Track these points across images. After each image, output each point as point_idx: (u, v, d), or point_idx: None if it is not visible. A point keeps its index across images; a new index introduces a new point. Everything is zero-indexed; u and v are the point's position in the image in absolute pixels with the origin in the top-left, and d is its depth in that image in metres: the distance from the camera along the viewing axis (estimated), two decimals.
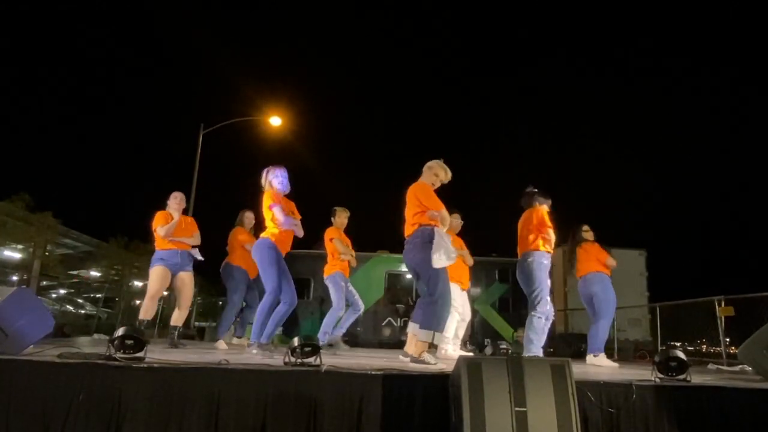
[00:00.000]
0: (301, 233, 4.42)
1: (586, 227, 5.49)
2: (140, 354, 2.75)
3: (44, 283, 19.27)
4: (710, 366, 5.55)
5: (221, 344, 5.10)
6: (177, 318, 4.98)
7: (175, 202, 4.95)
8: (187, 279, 4.91)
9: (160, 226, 4.78)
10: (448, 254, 3.55)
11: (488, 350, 4.78)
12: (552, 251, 4.63)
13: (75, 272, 21.12)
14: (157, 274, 4.76)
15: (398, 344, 6.23)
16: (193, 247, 4.98)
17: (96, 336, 5.65)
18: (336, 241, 5.53)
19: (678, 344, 10.55)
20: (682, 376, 2.91)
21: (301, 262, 5.93)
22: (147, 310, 4.77)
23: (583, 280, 5.29)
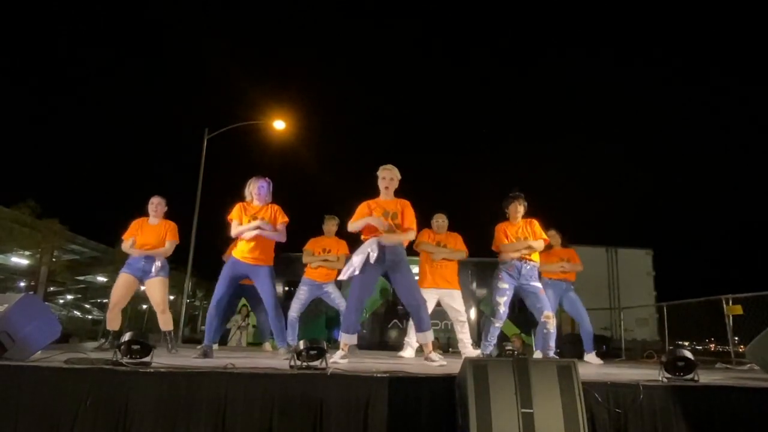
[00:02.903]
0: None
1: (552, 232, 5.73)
2: (147, 359, 2.76)
3: (51, 288, 19.39)
4: (718, 365, 5.51)
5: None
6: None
7: (151, 207, 4.85)
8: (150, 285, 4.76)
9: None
10: None
11: (493, 351, 4.77)
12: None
13: (82, 278, 21.25)
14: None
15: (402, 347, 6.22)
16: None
17: (103, 341, 5.68)
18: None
19: (686, 344, 10.48)
20: (689, 376, 2.89)
21: (301, 265, 5.92)
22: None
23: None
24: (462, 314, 5.16)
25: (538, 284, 4.70)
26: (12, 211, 14.33)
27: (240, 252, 4.30)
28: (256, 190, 4.40)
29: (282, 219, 4.40)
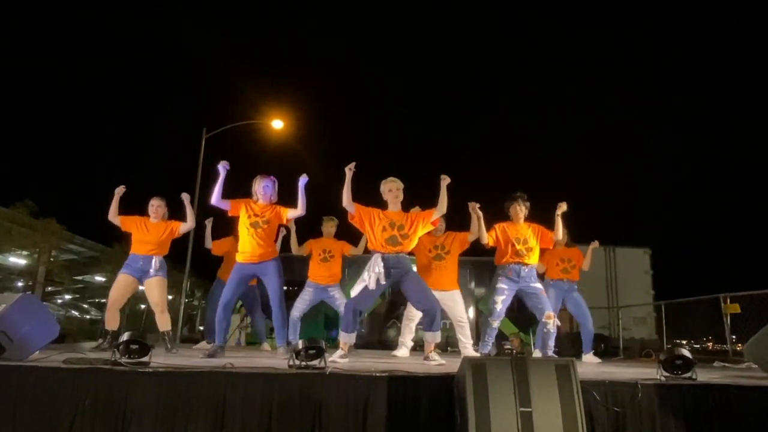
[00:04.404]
0: None
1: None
2: (145, 359, 2.76)
3: (49, 288, 19.34)
4: (716, 364, 5.53)
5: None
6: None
7: (152, 209, 4.80)
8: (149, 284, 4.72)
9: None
10: None
11: (492, 351, 4.78)
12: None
13: (80, 277, 21.21)
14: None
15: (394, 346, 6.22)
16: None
17: (101, 341, 5.67)
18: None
19: (683, 342, 10.49)
20: (687, 375, 2.90)
21: (301, 264, 5.93)
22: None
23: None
24: (463, 316, 5.15)
25: (539, 285, 4.68)
26: (9, 211, 14.29)
27: (243, 255, 4.30)
28: (261, 189, 4.39)
29: (286, 212, 4.38)
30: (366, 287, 3.92)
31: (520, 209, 4.77)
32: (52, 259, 16.85)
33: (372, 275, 3.91)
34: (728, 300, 7.08)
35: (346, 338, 3.93)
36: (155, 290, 4.65)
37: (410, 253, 5.28)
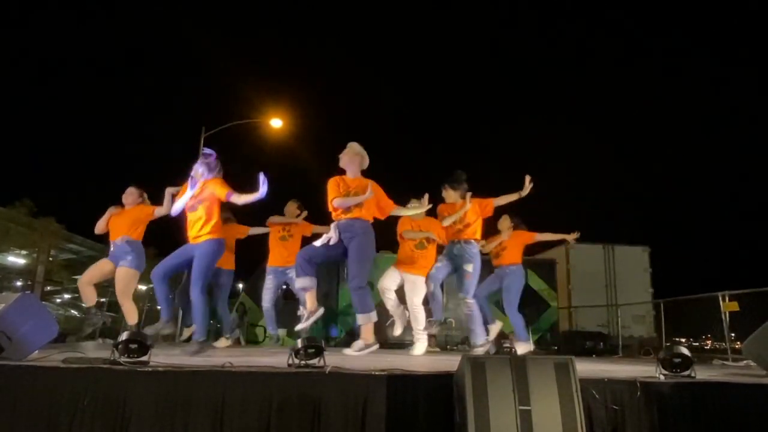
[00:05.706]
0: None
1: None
2: (144, 358, 2.76)
3: (48, 288, 19.33)
4: (715, 362, 5.54)
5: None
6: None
7: (124, 196, 5.00)
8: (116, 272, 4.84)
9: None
10: None
11: (491, 349, 4.77)
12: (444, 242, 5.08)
13: (79, 277, 21.21)
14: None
15: (402, 344, 6.21)
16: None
17: (100, 340, 5.69)
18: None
19: (682, 340, 10.52)
20: (686, 373, 2.90)
21: None
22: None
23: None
24: (418, 304, 5.08)
25: (468, 268, 4.74)
26: (8, 210, 14.29)
27: (189, 237, 4.14)
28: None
29: (224, 190, 3.92)
30: (322, 245, 4.07)
31: (449, 194, 5.02)
32: (51, 259, 16.86)
33: (324, 238, 4.07)
34: (727, 298, 7.09)
35: (364, 320, 3.96)
36: (117, 280, 4.78)
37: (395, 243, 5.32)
